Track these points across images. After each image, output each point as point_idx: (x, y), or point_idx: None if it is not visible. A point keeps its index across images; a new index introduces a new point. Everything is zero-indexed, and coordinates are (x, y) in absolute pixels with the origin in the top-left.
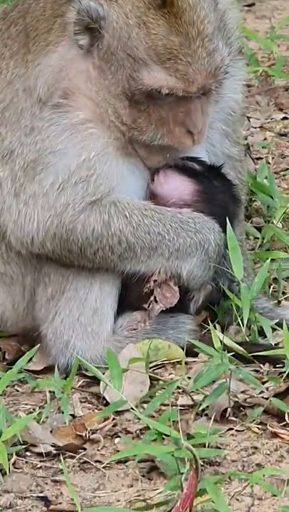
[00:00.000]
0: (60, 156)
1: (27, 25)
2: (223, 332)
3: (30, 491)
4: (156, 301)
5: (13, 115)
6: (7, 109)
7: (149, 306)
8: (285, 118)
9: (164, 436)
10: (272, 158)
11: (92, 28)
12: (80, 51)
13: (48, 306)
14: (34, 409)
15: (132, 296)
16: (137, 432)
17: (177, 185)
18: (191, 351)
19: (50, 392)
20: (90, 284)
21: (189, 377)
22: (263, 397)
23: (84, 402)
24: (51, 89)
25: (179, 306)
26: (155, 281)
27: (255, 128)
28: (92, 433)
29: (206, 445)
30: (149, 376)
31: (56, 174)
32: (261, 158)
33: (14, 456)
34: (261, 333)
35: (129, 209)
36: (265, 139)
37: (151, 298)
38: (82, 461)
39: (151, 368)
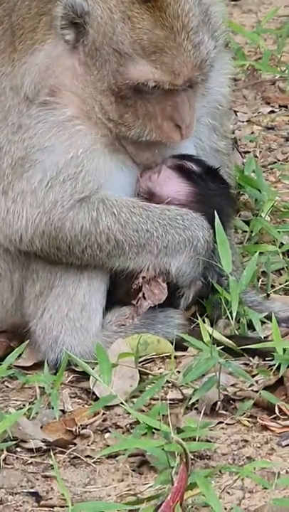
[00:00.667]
0: (48, 153)
1: (13, 23)
2: (212, 326)
3: (21, 486)
4: (144, 298)
5: (1, 113)
6: None
7: (137, 303)
8: (272, 112)
9: (154, 430)
10: (260, 151)
11: (78, 24)
12: (67, 47)
13: (37, 303)
14: (24, 405)
15: (121, 292)
16: (127, 426)
17: (174, 186)
18: (180, 345)
19: (40, 387)
20: (79, 280)
21: (179, 372)
22: (252, 390)
23: (74, 397)
24: (37, 87)
25: (168, 302)
26: (144, 277)
27: (243, 122)
28: (83, 428)
29: (196, 439)
30: (139, 371)
31: (44, 171)
32: (249, 152)
33: (5, 452)
34: (250, 326)
35: (117, 206)
36: (252, 132)
37: (140, 294)
38: (72, 456)
39: (140, 362)
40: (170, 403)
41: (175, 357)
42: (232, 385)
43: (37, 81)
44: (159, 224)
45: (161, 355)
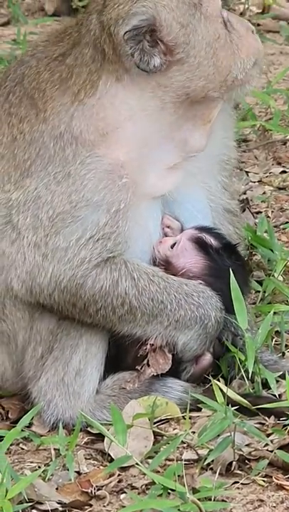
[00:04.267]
0: (92, 209)
1: (27, 88)
2: (226, 385)
3: None
4: (148, 365)
5: (40, 165)
6: (34, 163)
7: (141, 368)
8: (283, 172)
9: (169, 490)
10: (272, 211)
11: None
12: (129, 80)
13: (37, 366)
14: (39, 467)
15: (129, 356)
16: (143, 487)
17: (190, 258)
18: (194, 406)
19: (55, 449)
20: (77, 344)
21: (194, 432)
22: (267, 450)
23: (89, 458)
24: (89, 128)
25: (171, 372)
26: (152, 345)
27: (254, 182)
28: (98, 489)
29: (212, 499)
30: (153, 431)
31: (84, 229)
32: (261, 212)
33: None
34: (265, 385)
35: (138, 271)
36: (264, 193)
37: (145, 361)
38: None
39: (155, 423)
40: (185, 463)
41: (190, 417)
42: (247, 445)
43: (88, 123)
44: (175, 297)
45: (176, 416)
